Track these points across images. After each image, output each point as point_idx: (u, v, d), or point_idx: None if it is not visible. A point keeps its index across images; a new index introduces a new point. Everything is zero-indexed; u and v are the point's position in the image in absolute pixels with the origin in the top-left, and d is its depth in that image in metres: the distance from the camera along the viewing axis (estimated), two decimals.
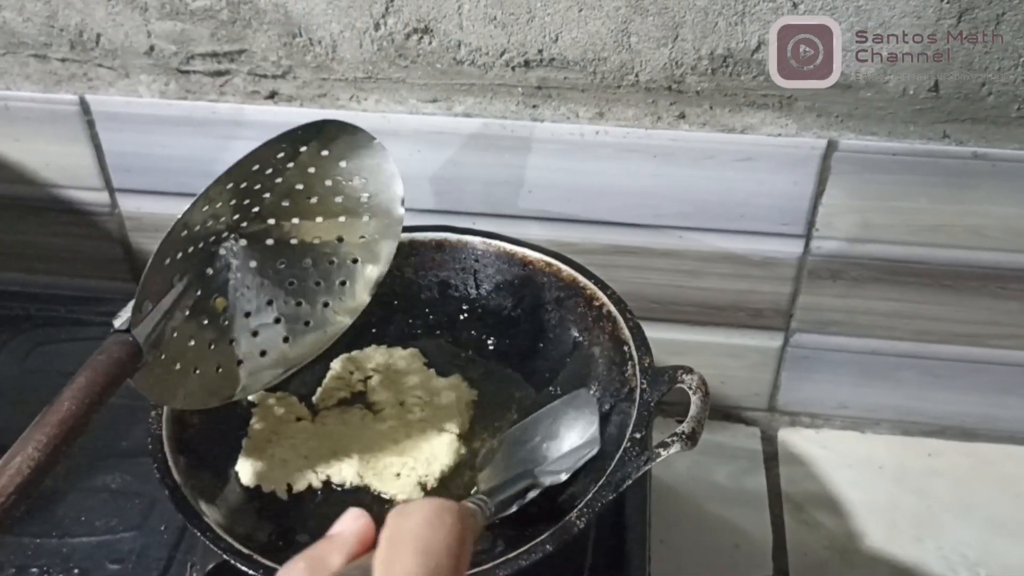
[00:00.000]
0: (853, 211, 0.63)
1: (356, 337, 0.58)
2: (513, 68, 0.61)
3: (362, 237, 0.55)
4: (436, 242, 0.60)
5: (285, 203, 0.52)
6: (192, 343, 0.50)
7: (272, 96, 0.65)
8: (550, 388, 0.57)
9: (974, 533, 0.67)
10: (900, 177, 0.61)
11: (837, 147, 0.61)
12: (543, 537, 0.43)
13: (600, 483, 0.45)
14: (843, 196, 0.63)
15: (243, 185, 0.49)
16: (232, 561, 0.43)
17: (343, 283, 0.56)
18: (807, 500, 0.69)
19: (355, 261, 0.56)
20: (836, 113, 0.60)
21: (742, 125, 0.61)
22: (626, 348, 0.52)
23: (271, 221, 0.52)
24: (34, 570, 0.53)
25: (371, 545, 0.32)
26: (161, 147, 0.67)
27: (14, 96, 0.67)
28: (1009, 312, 0.66)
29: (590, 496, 0.44)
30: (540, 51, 0.60)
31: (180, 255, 0.48)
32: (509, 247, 0.59)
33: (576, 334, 0.57)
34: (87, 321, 0.71)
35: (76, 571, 0.53)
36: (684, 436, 0.44)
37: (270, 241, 0.53)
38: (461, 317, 0.61)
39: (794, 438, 0.74)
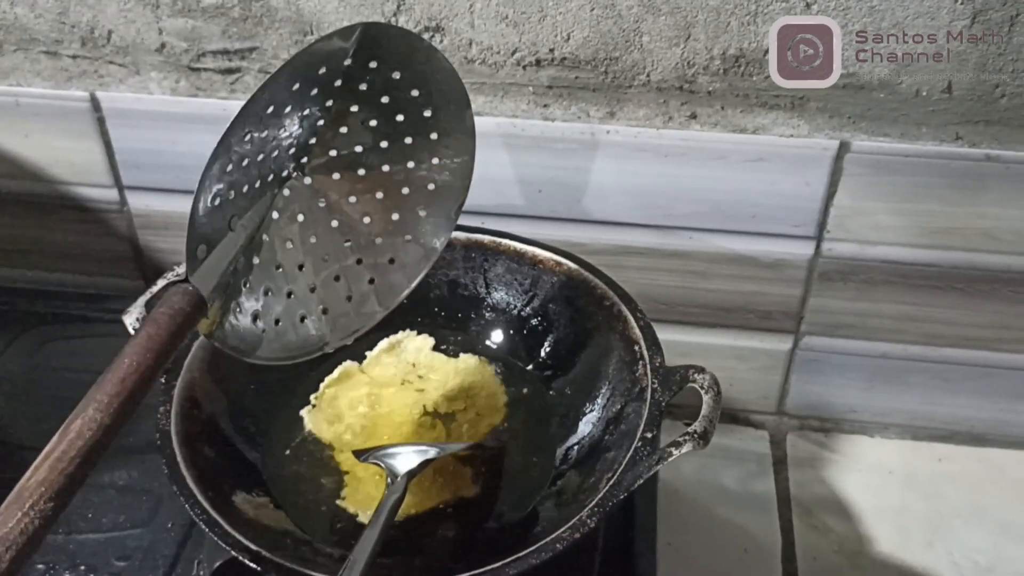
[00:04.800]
0: (865, 213, 0.63)
1: (362, 337, 0.58)
2: (524, 67, 0.61)
3: (435, 159, 0.48)
4: None
5: (343, 129, 0.46)
6: (268, 294, 0.46)
7: None
8: (564, 389, 0.57)
9: (985, 538, 0.66)
10: (912, 179, 0.61)
11: (849, 148, 0.61)
12: (554, 536, 0.42)
13: (611, 482, 0.45)
14: (855, 198, 0.62)
15: (288, 109, 0.43)
16: (240, 558, 0.43)
17: (423, 214, 0.49)
18: (816, 504, 0.69)
19: (432, 185, 0.49)
20: (848, 114, 0.60)
21: (754, 126, 0.61)
22: (636, 347, 0.52)
23: (332, 152, 0.47)
24: (40, 566, 0.53)
25: None
26: (171, 144, 0.67)
27: (25, 92, 0.67)
28: (1021, 316, 0.66)
29: (601, 495, 0.44)
30: (551, 50, 0.60)
31: (233, 195, 0.43)
32: (519, 246, 0.59)
33: (586, 334, 0.56)
34: (95, 318, 0.71)
35: (83, 568, 0.53)
36: (696, 435, 0.44)
37: (336, 175, 0.47)
38: (470, 316, 0.61)
39: (803, 442, 0.74)
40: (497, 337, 0.60)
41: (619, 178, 0.64)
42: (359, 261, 0.49)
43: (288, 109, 0.44)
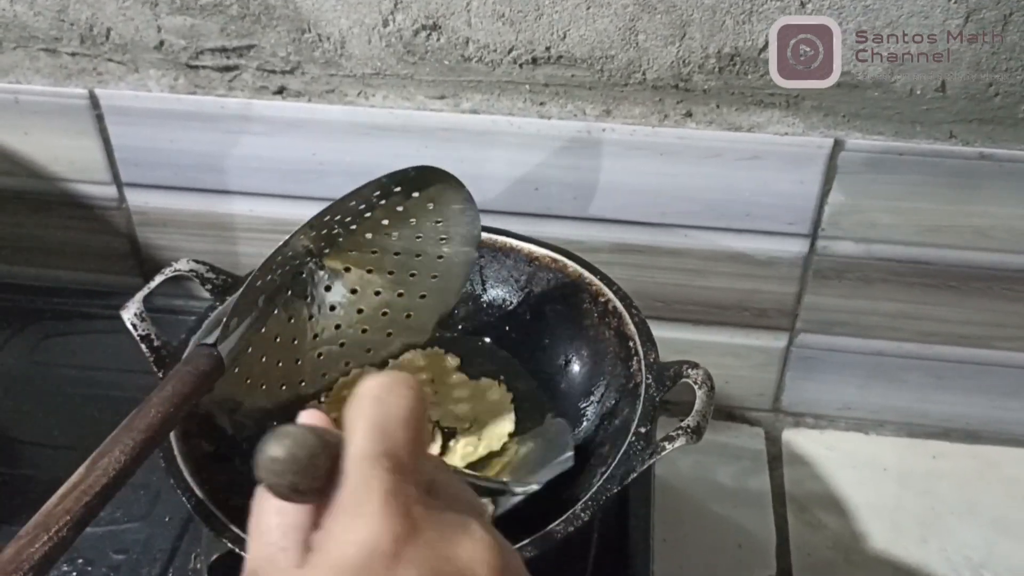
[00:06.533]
0: (859, 211, 0.63)
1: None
2: (521, 65, 0.61)
3: (433, 277, 0.56)
4: None
5: (368, 235, 0.53)
6: (263, 359, 0.51)
7: (280, 91, 0.65)
8: (559, 386, 0.57)
9: (978, 535, 0.67)
10: (906, 177, 0.61)
11: (844, 146, 0.61)
12: (548, 529, 0.43)
13: (605, 476, 0.45)
14: (849, 196, 0.63)
15: (338, 217, 0.51)
16: (237, 551, 0.43)
17: (408, 316, 0.57)
18: (811, 500, 0.69)
19: (423, 297, 0.57)
20: (843, 112, 0.60)
21: (749, 124, 0.61)
22: (631, 343, 0.53)
23: (352, 253, 0.54)
24: None
25: None
26: (169, 141, 0.68)
27: (24, 89, 0.67)
28: (1015, 314, 0.66)
29: (595, 489, 0.45)
30: (548, 48, 0.60)
31: (269, 277, 0.49)
32: (515, 243, 0.59)
33: (581, 330, 0.57)
34: (94, 314, 0.71)
35: (80, 561, 0.53)
36: (689, 430, 0.44)
37: (347, 270, 0.55)
38: (468, 313, 0.61)
39: (798, 439, 0.74)
40: (493, 333, 0.61)
41: (615, 176, 0.64)
42: (342, 345, 0.56)
43: (339, 217, 0.51)
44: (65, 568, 0.53)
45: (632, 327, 0.53)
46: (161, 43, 0.64)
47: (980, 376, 0.70)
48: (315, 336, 0.54)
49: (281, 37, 0.62)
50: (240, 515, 0.46)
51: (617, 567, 0.55)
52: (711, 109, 0.61)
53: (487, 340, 0.61)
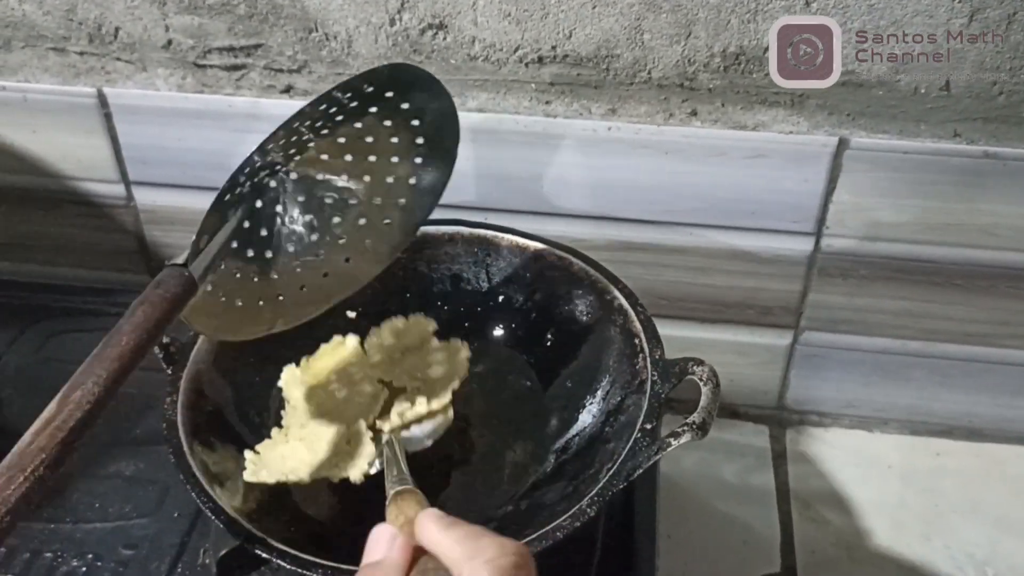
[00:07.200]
0: (863, 209, 0.63)
1: (366, 329, 0.58)
2: (527, 64, 0.61)
3: (411, 180, 0.53)
4: (449, 236, 0.60)
5: (341, 140, 0.50)
6: (238, 275, 0.49)
7: (288, 90, 0.65)
8: (564, 381, 0.57)
9: (981, 532, 0.67)
10: (911, 175, 0.62)
11: (848, 145, 0.61)
12: (554, 524, 0.43)
13: (611, 472, 0.45)
14: (854, 194, 0.63)
15: (307, 123, 0.48)
16: (246, 545, 0.44)
17: (387, 223, 0.54)
18: (815, 498, 0.70)
19: (401, 202, 0.54)
20: (847, 111, 0.60)
21: (754, 122, 0.62)
22: (637, 341, 0.53)
23: (324, 156, 0.51)
24: (48, 555, 0.54)
25: (413, 562, 0.34)
26: (177, 140, 0.68)
27: (32, 88, 0.68)
28: (1019, 312, 0.66)
29: (601, 485, 0.45)
30: (554, 47, 0.60)
31: (238, 191, 0.47)
32: (521, 241, 0.60)
33: (587, 327, 0.57)
34: (101, 312, 0.71)
35: (90, 556, 0.54)
36: (695, 426, 0.45)
37: (320, 176, 0.52)
38: (473, 310, 0.61)
39: (802, 436, 0.74)
40: (499, 330, 0.61)
41: (620, 174, 0.64)
42: (318, 255, 0.53)
43: (308, 123, 0.48)
44: (75, 563, 0.53)
45: (638, 324, 0.53)
46: (169, 42, 0.64)
47: (984, 374, 0.70)
48: (293, 251, 0.52)
49: (288, 36, 0.63)
50: (248, 510, 0.47)
51: (622, 563, 0.55)
52: (716, 108, 0.62)
53: (491, 337, 0.61)
